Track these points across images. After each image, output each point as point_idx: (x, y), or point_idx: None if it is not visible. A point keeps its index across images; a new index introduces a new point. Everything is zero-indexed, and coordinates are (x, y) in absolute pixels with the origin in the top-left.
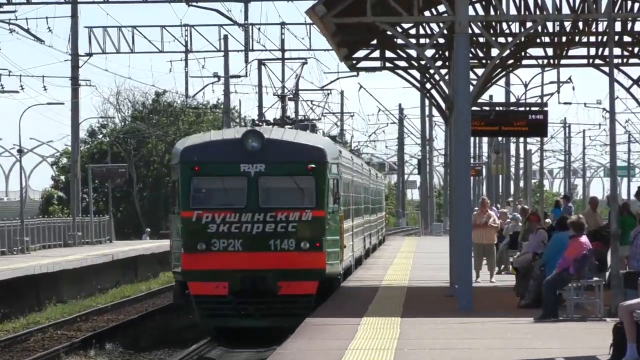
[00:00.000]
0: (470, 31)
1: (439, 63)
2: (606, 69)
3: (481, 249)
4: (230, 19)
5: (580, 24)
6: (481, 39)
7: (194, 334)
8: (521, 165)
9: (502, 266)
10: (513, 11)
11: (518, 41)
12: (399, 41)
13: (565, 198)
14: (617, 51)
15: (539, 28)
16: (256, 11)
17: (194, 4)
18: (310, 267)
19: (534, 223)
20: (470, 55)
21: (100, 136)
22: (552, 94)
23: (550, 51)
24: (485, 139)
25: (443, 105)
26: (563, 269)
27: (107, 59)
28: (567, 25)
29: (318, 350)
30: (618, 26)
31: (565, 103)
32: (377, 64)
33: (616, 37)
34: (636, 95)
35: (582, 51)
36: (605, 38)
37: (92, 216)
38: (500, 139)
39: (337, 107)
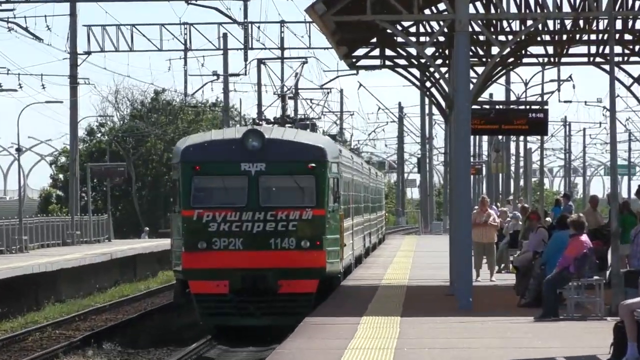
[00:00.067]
0: (470, 29)
1: (439, 61)
2: (607, 67)
3: (481, 248)
4: (230, 17)
5: (581, 22)
6: (481, 37)
7: (193, 333)
8: (521, 163)
9: (502, 265)
10: (513, 9)
11: (518, 39)
12: (399, 39)
13: (565, 197)
14: (617, 49)
15: (540, 26)
16: (256, 9)
17: (193, 2)
18: (310, 266)
19: (534, 222)
20: (471, 53)
21: (99, 135)
22: (552, 92)
23: (550, 49)
24: (485, 138)
25: (443, 103)
26: (563, 267)
27: (105, 58)
28: (568, 23)
29: (317, 350)
30: (619, 24)
31: (565, 101)
32: (377, 62)
33: (617, 35)
34: (637, 93)
35: (583, 49)
36: (606, 36)
37: (91, 215)
38: (500, 137)
39: (336, 105)
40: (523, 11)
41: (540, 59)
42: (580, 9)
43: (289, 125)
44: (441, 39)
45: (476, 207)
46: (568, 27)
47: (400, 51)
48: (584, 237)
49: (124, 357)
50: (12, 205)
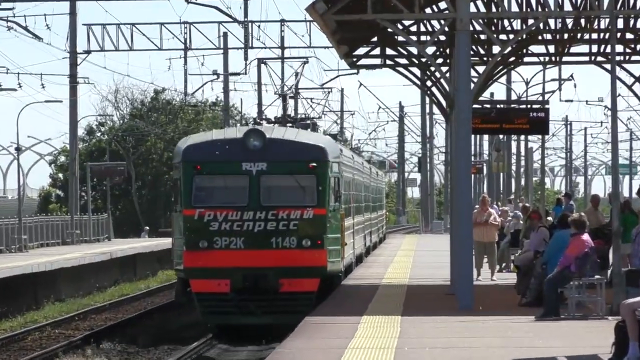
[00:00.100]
0: (471, 28)
1: (439, 60)
2: (608, 66)
3: (482, 247)
4: (230, 16)
5: (582, 21)
6: (482, 36)
7: (194, 332)
8: (522, 163)
9: (504, 264)
10: (515, 8)
11: (519, 38)
12: (400, 38)
13: (566, 196)
14: (619, 48)
15: (541, 25)
16: (256, 8)
17: (193, 1)
18: (311, 265)
19: (535, 221)
20: (472, 52)
21: (98, 134)
22: (553, 92)
23: (551, 48)
24: (486, 137)
25: (444, 102)
26: (564, 267)
27: (105, 57)
28: (569, 22)
29: (318, 349)
30: (620, 23)
31: (566, 100)
32: (378, 61)
33: (618, 34)
34: (638, 92)
35: (584, 48)
36: (607, 35)
37: (91, 214)
38: (501, 136)
39: (337, 105)
40: (524, 10)
41: (542, 58)
42: (582, 8)
43: (290, 125)
44: (442, 38)
45: (477, 206)
46: (569, 26)
47: (401, 50)
48: (585, 237)
49: (123, 356)
50: (12, 204)
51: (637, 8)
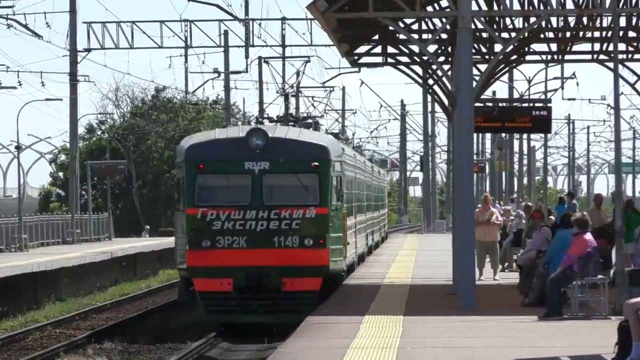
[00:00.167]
0: (473, 26)
1: (441, 59)
2: (611, 64)
3: (484, 247)
4: (231, 14)
5: (585, 19)
6: (484, 35)
7: (195, 332)
8: (525, 161)
9: (506, 264)
10: (517, 6)
11: (522, 37)
12: (401, 37)
13: (569, 195)
14: (621, 47)
15: (543, 23)
16: (257, 6)
17: None
18: (314, 264)
19: (538, 220)
20: (473, 50)
21: (99, 132)
22: (556, 90)
23: (554, 47)
24: (488, 136)
25: (446, 101)
26: (567, 266)
27: (105, 55)
28: (571, 20)
29: (320, 349)
30: (623, 21)
31: (569, 99)
32: (379, 59)
33: (621, 33)
34: None
35: (587, 47)
36: (609, 33)
37: (91, 213)
38: (503, 135)
39: (338, 103)
40: (526, 8)
41: (544, 57)
42: (584, 6)
43: (292, 124)
44: (444, 36)
45: (479, 205)
46: (571, 24)
47: (403, 48)
48: (588, 236)
49: (125, 356)
50: (12, 203)
51: None
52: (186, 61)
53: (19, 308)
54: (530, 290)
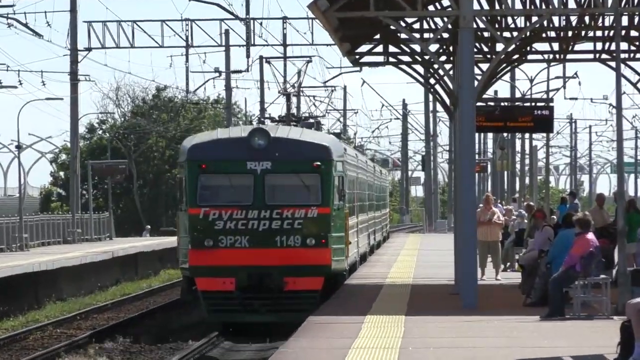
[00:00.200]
0: (475, 26)
1: (443, 58)
2: (613, 64)
3: (486, 247)
4: (232, 13)
5: (587, 19)
6: (486, 34)
7: (196, 331)
8: (526, 161)
9: (508, 264)
10: (518, 5)
11: (523, 36)
12: (403, 36)
13: (571, 195)
14: (623, 46)
15: (545, 22)
16: (258, 5)
17: None
18: (316, 264)
19: (540, 220)
20: (475, 50)
21: (99, 132)
22: (557, 90)
23: (556, 46)
24: (490, 135)
25: (447, 100)
26: (569, 266)
27: (106, 54)
28: (573, 19)
29: (321, 349)
30: (625, 20)
31: (571, 98)
32: (381, 59)
33: (623, 32)
34: None
35: (589, 46)
36: (611, 33)
37: (92, 213)
38: (505, 134)
39: (340, 103)
40: (528, 7)
41: (546, 56)
42: (586, 5)
43: (294, 123)
44: (445, 35)
45: (481, 205)
46: (573, 24)
47: (404, 48)
48: (590, 236)
49: (126, 356)
50: (13, 203)
51: None
52: (187, 60)
53: (19, 308)
54: (533, 290)
